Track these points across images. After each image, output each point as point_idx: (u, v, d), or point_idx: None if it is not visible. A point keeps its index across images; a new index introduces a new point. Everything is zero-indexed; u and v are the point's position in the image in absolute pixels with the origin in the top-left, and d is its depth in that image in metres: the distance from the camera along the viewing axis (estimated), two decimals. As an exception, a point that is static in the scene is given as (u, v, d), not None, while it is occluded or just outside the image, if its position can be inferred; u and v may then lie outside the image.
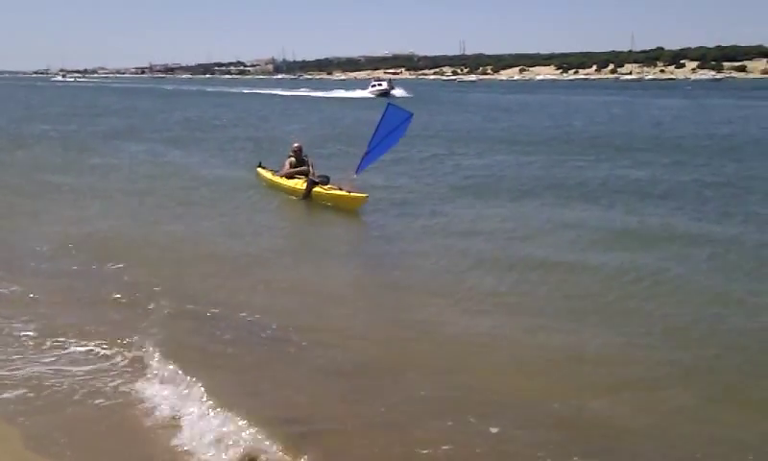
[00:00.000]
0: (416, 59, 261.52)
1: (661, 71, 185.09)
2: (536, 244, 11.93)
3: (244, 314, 8.32)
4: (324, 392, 6.51)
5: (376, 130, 15.16)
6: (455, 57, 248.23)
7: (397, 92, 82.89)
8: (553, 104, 66.78)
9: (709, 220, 13.69)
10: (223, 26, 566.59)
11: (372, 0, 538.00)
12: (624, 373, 6.92)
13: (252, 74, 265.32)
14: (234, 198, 16.47)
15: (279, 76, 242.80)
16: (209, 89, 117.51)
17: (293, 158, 16.75)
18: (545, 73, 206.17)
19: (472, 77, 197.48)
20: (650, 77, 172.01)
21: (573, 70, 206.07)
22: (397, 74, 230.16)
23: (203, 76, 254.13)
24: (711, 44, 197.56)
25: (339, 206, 14.84)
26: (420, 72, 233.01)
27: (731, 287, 9.44)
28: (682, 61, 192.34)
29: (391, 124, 15.08)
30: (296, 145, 17.07)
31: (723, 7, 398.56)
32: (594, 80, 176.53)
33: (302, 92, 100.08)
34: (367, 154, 15.27)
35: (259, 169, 18.58)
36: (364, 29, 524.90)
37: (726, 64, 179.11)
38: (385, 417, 6.04)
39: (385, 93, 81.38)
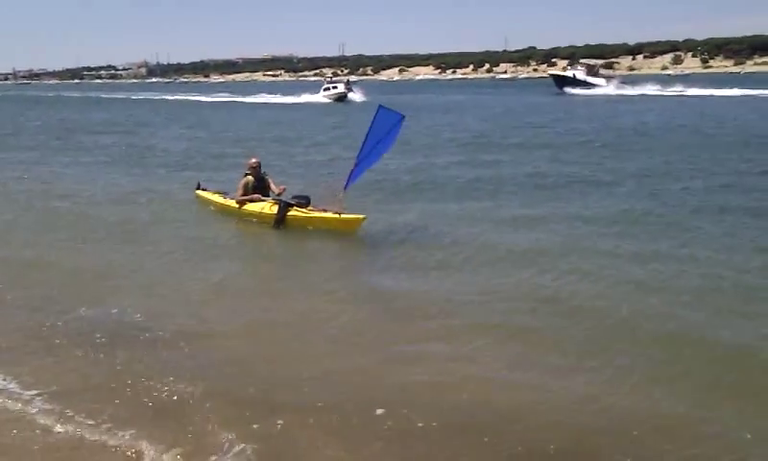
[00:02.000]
0: (295, 60, 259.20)
1: (534, 70, 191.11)
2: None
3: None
4: None
5: (366, 138, 12.39)
6: (335, 58, 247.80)
7: (357, 96, 68.84)
8: (469, 103, 62.87)
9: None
10: (92, 29, 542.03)
11: (250, 1, 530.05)
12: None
13: (125, 78, 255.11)
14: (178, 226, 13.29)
15: (153, 79, 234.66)
16: (92, 95, 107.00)
17: (250, 177, 13.47)
18: (424, 73, 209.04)
19: (353, 77, 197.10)
20: (523, 76, 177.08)
21: (451, 70, 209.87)
22: (277, 76, 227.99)
23: (71, 81, 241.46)
24: (580, 43, 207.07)
25: (329, 230, 12.26)
26: (301, 74, 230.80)
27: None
28: (553, 60, 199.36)
29: (382, 129, 12.34)
30: (253, 160, 13.78)
31: (590, 7, 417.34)
32: (472, 79, 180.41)
33: (221, 98, 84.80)
34: (356, 166, 12.59)
35: (200, 192, 15.39)
36: (241, 30, 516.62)
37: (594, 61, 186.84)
38: None
39: (342, 97, 68.68)
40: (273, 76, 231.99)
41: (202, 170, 19.44)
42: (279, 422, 5.71)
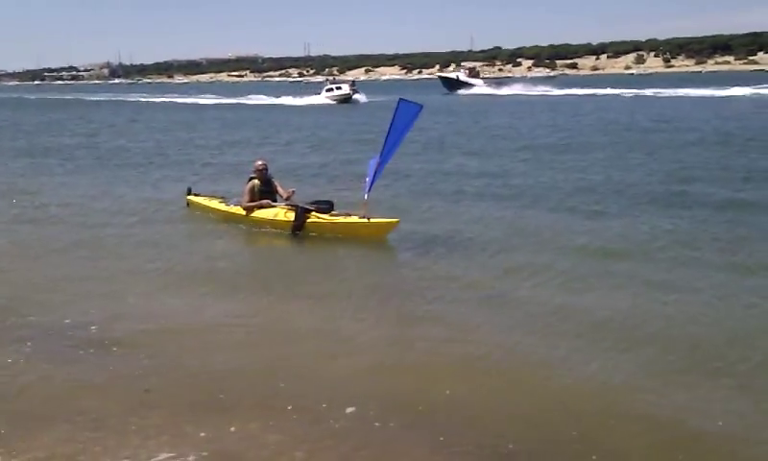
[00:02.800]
0: (260, 60, 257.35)
1: (500, 70, 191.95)
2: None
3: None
4: None
5: (387, 135, 11.44)
6: (301, 58, 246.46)
7: (361, 97, 65.31)
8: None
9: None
10: (52, 29, 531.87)
11: (214, 1, 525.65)
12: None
13: (87, 79, 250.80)
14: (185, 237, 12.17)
15: (116, 80, 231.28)
16: (69, 97, 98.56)
17: (256, 181, 12.39)
18: (390, 73, 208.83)
19: (319, 78, 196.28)
20: (490, 76, 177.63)
21: (417, 70, 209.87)
22: (242, 77, 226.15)
23: (31, 82, 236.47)
24: (545, 43, 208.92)
25: (356, 237, 11.29)
26: (266, 74, 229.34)
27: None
28: (518, 60, 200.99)
29: (402, 123, 11.46)
30: (260, 163, 12.65)
31: (554, 8, 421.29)
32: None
33: (209, 99, 78.53)
34: (379, 165, 11.56)
35: (193, 198, 14.07)
36: (205, 31, 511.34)
37: (558, 62, 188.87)
38: None
39: (347, 99, 64.70)
40: (238, 76, 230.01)
41: (216, 182, 17.47)
42: (232, 428, 5.42)
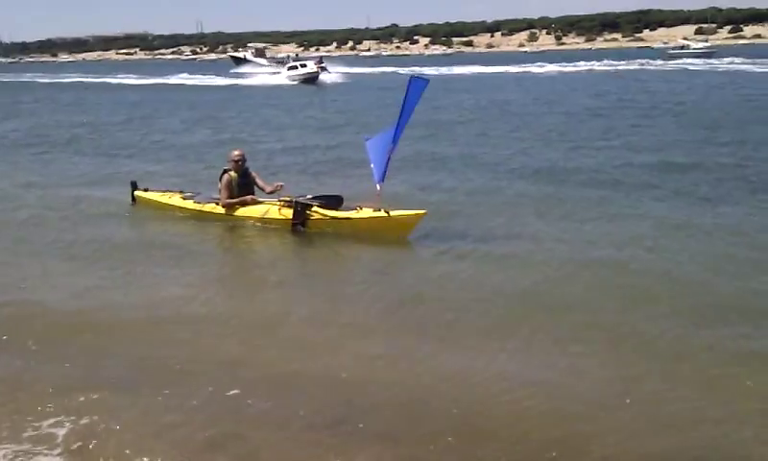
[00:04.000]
0: (150, 38, 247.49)
1: (397, 47, 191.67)
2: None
3: None
4: None
5: (400, 116, 9.73)
6: (194, 35, 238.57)
7: (329, 77, 58.60)
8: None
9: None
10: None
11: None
12: None
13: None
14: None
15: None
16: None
17: (233, 173, 10.54)
18: (288, 51, 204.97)
19: (212, 56, 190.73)
20: (387, 53, 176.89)
21: (314, 47, 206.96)
22: (131, 54, 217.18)
23: None
24: (441, 21, 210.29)
25: (371, 235, 9.56)
26: (158, 52, 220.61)
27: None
28: (415, 38, 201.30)
29: (412, 102, 9.85)
30: (236, 153, 10.66)
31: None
32: (336, 56, 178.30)
33: (128, 79, 69.26)
34: (393, 150, 9.93)
35: (144, 194, 11.85)
36: (91, 7, 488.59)
37: (455, 40, 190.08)
38: None
39: (312, 78, 56.73)
40: (127, 54, 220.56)
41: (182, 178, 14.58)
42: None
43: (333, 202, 10.03)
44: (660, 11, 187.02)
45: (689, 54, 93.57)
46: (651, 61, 76.64)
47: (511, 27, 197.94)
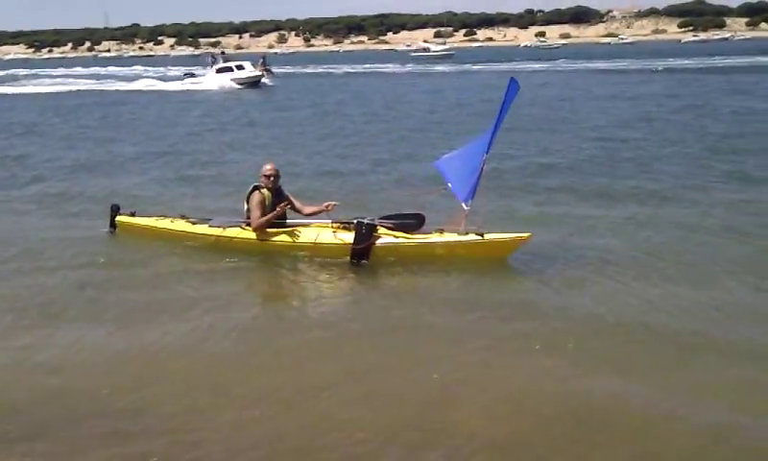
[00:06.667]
0: None
1: (141, 48, 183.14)
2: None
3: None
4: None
5: (497, 121, 7.93)
6: None
7: (270, 79, 48.80)
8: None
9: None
10: None
11: None
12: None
13: None
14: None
15: None
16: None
17: (266, 191, 8.43)
18: (15, 52, 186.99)
19: None
20: (130, 54, 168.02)
21: (47, 49, 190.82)
22: None
23: None
24: (186, 21, 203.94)
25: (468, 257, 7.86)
26: None
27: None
28: (160, 38, 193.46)
29: (508, 104, 8.01)
30: (268, 167, 8.54)
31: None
32: (73, 58, 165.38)
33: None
34: (485, 163, 8.06)
35: (126, 219, 9.44)
36: None
37: (202, 41, 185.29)
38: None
39: (256, 82, 46.52)
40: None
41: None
42: None
43: (412, 221, 8.19)
44: (399, 14, 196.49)
45: (431, 57, 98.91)
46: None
47: (259, 28, 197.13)
